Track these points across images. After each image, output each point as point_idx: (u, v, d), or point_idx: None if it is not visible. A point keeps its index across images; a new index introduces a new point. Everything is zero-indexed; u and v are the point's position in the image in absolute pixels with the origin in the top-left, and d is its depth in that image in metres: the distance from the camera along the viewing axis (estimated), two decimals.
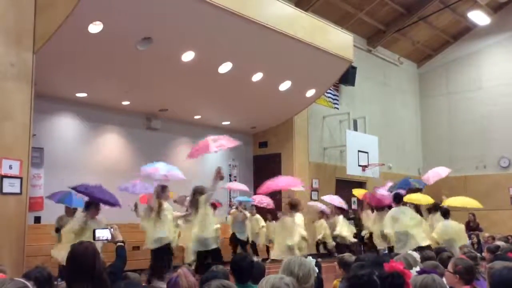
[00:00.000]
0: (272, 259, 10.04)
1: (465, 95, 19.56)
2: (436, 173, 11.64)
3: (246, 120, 14.28)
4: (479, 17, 18.27)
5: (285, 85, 12.82)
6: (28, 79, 8.13)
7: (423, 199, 10.75)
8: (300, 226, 9.87)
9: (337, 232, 13.12)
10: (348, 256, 4.60)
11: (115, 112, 12.12)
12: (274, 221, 12.07)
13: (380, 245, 11.01)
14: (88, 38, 8.73)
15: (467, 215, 14.44)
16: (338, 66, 13.38)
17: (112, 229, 4.09)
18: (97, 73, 10.15)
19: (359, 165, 14.95)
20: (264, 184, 10.14)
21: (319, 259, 4.87)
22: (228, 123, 14.24)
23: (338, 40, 12.91)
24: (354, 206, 15.76)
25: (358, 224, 13.50)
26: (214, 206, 10.38)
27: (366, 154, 15.17)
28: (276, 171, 14.51)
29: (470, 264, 3.82)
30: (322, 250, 13.65)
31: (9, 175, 7.74)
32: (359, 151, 14.98)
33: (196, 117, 13.51)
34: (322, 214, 13.67)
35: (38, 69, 8.32)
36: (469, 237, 12.29)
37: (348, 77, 15.25)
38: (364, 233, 12.96)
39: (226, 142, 8.43)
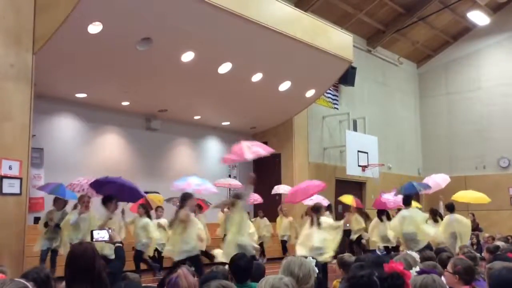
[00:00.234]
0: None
1: (465, 95, 19.56)
2: (437, 184, 11.73)
3: (245, 120, 14.27)
4: (478, 17, 18.28)
5: (285, 85, 12.82)
6: (28, 79, 8.14)
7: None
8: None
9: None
10: (347, 256, 4.60)
11: (115, 113, 12.12)
12: (265, 218, 13.01)
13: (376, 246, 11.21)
14: (88, 38, 8.73)
15: (467, 215, 14.42)
16: (337, 66, 13.38)
17: (110, 230, 4.17)
18: (96, 74, 10.14)
19: (359, 165, 14.94)
20: (292, 192, 10.18)
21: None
22: (228, 123, 14.24)
23: (338, 40, 12.90)
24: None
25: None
26: (200, 206, 10.41)
27: (366, 154, 15.17)
28: (276, 172, 14.51)
29: (469, 264, 3.81)
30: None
31: (8, 175, 7.76)
32: (358, 151, 14.97)
33: (196, 117, 13.51)
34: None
35: (38, 69, 8.32)
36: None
37: (347, 77, 15.25)
38: (353, 237, 12.95)
39: (261, 149, 8.38)
